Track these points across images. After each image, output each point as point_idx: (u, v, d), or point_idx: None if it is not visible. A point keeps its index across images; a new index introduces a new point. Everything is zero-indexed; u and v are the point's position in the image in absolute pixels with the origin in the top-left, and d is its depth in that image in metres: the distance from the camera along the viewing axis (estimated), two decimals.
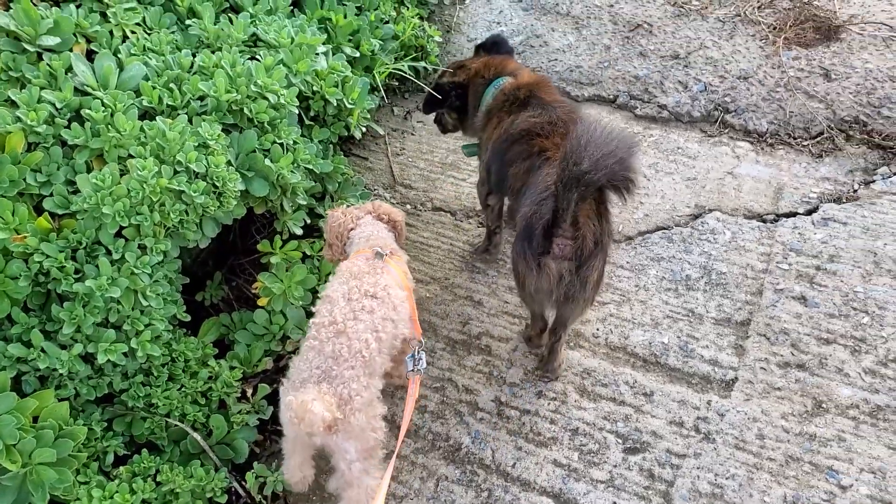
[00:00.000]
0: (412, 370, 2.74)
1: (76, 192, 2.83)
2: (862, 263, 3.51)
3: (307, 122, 3.64)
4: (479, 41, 4.82)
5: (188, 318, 3.18)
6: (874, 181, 3.91)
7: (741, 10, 4.99)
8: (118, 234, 2.86)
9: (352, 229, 3.04)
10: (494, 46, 3.62)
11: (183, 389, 3.05)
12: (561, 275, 2.67)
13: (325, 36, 3.80)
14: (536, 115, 3.06)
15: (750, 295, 3.46)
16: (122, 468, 2.86)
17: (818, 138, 4.18)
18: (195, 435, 2.98)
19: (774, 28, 4.81)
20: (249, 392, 3.19)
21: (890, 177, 3.91)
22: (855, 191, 3.88)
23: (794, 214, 3.79)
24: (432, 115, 3.80)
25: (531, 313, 3.19)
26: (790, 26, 4.78)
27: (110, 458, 2.89)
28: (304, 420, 2.19)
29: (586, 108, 4.56)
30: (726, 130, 4.35)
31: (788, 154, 4.15)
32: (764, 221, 3.77)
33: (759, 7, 4.98)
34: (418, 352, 2.76)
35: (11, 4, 3.05)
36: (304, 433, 2.31)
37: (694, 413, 3.07)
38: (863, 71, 4.43)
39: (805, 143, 4.18)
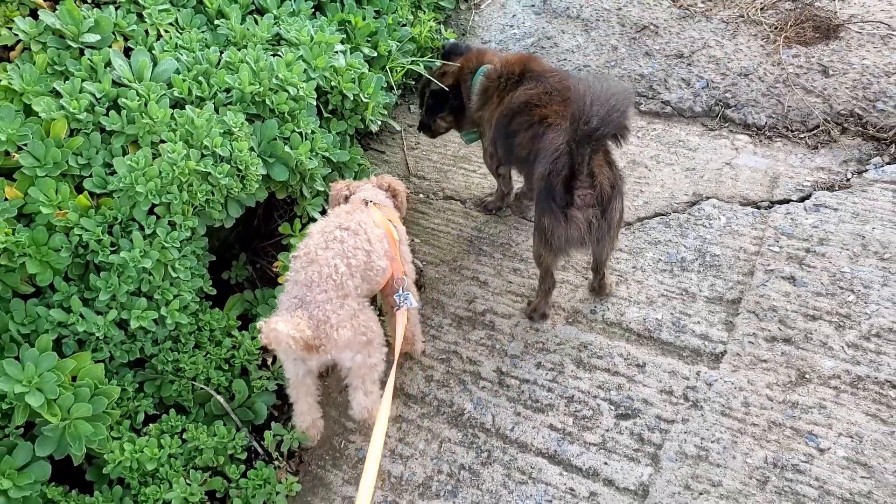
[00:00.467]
0: (398, 307, 3.03)
1: (113, 173, 3.12)
2: (850, 246, 3.67)
3: (325, 115, 3.91)
4: (492, 44, 5.10)
5: (214, 292, 3.46)
6: (867, 170, 4.07)
7: (744, 11, 5.19)
8: (150, 212, 3.15)
9: (351, 195, 3.32)
10: (455, 50, 3.93)
11: (208, 356, 3.31)
12: (589, 221, 3.00)
13: (343, 35, 4.08)
14: (532, 86, 3.40)
15: (741, 275, 3.64)
16: (151, 426, 3.12)
17: (815, 131, 4.36)
18: (219, 398, 3.25)
19: (776, 28, 5.00)
20: (269, 360, 3.44)
21: (882, 166, 4.07)
22: (848, 179, 4.05)
23: (787, 201, 3.97)
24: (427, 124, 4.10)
25: (544, 273, 3.43)
26: (791, 26, 4.96)
27: (141, 417, 3.16)
28: (270, 340, 2.50)
29: None
30: (726, 124, 4.54)
31: (785, 146, 4.33)
32: (758, 208, 3.96)
33: (761, 8, 5.17)
34: (403, 290, 3.04)
35: (57, 5, 3.37)
36: (292, 359, 2.76)
37: (683, 383, 3.27)
38: (860, 67, 4.60)
39: (802, 135, 4.35)
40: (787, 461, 2.95)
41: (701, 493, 2.91)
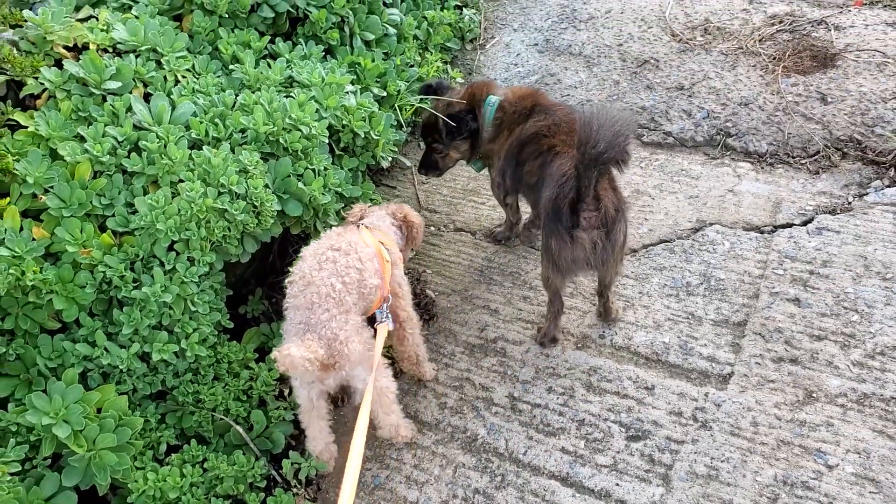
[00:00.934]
0: (380, 322, 3.16)
1: (134, 212, 3.25)
2: (853, 267, 3.75)
3: (338, 152, 4.05)
4: (497, 82, 5.24)
5: (231, 326, 3.56)
6: (867, 193, 4.16)
7: (743, 43, 5.32)
8: (170, 248, 3.28)
9: (361, 218, 3.45)
10: (440, 88, 4.08)
11: (227, 387, 3.41)
12: (594, 242, 3.13)
13: (353, 76, 4.24)
14: (541, 119, 3.57)
15: (747, 298, 3.72)
16: (173, 456, 3.21)
17: (815, 157, 4.45)
18: (238, 428, 3.33)
19: (774, 58, 5.13)
20: (286, 391, 3.53)
21: (882, 189, 4.16)
22: (849, 203, 4.14)
23: (790, 225, 4.05)
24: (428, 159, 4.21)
25: (553, 296, 3.53)
26: (789, 56, 5.09)
27: (163, 448, 3.25)
28: (286, 366, 2.59)
29: None
30: (728, 153, 4.64)
31: (787, 172, 4.42)
32: (762, 232, 4.04)
33: (759, 40, 5.31)
34: (385, 308, 3.18)
35: (80, 56, 3.54)
36: (307, 383, 2.89)
37: (692, 404, 3.33)
38: (857, 94, 4.71)
39: (803, 161, 4.45)
40: (796, 478, 3.00)
41: None
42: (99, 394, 3.03)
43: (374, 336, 3.10)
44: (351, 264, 3.01)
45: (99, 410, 3.03)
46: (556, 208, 3.16)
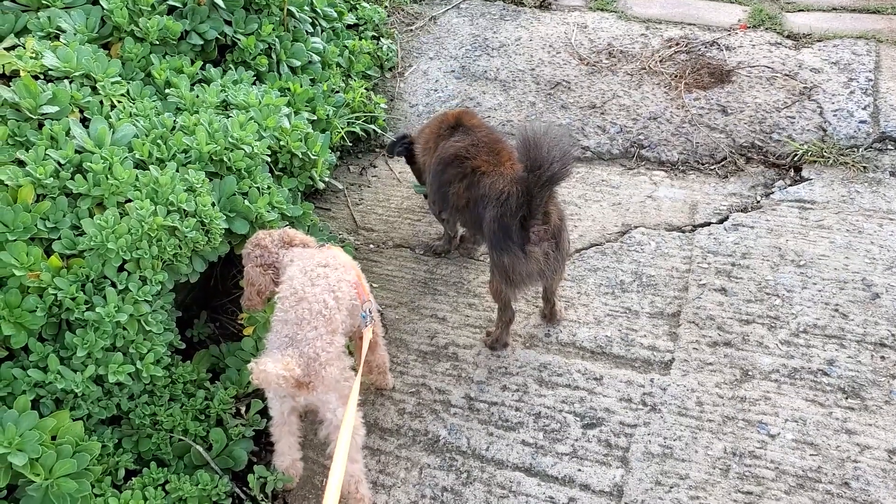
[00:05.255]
0: (365, 325, 3.19)
1: (80, 234, 3.19)
2: (770, 257, 4.06)
3: (276, 172, 4.09)
4: (420, 106, 5.42)
5: (183, 346, 3.52)
6: (773, 192, 4.52)
7: (645, 64, 5.70)
8: (120, 269, 3.22)
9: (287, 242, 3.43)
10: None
11: (184, 408, 3.35)
12: (546, 253, 3.28)
13: (286, 99, 4.30)
14: (459, 140, 3.74)
15: (677, 291, 3.96)
16: (134, 479, 3.12)
17: (722, 162, 4.81)
18: (198, 448, 3.27)
19: (675, 76, 5.52)
20: (243, 409, 3.50)
21: (785, 188, 4.53)
22: (758, 201, 4.48)
23: (708, 224, 4.35)
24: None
25: (503, 307, 3.64)
26: (689, 73, 5.49)
27: (122, 473, 3.15)
28: (260, 380, 2.60)
29: None
30: (643, 163, 4.95)
31: (699, 178, 4.75)
32: (683, 232, 4.32)
33: (660, 60, 5.70)
34: (367, 309, 3.20)
35: (11, 82, 3.47)
36: (280, 397, 2.86)
37: (640, 390, 3.50)
38: (753, 105, 5.13)
39: (712, 167, 4.80)
40: (744, 449, 3.21)
41: (672, 487, 3.11)
42: (54, 420, 2.93)
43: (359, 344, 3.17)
44: (342, 278, 3.05)
45: (54, 438, 2.93)
46: (503, 226, 3.28)
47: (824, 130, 4.88)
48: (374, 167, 5.22)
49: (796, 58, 5.61)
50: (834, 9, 6.36)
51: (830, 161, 4.65)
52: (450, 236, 4.33)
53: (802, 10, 6.41)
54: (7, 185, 3.14)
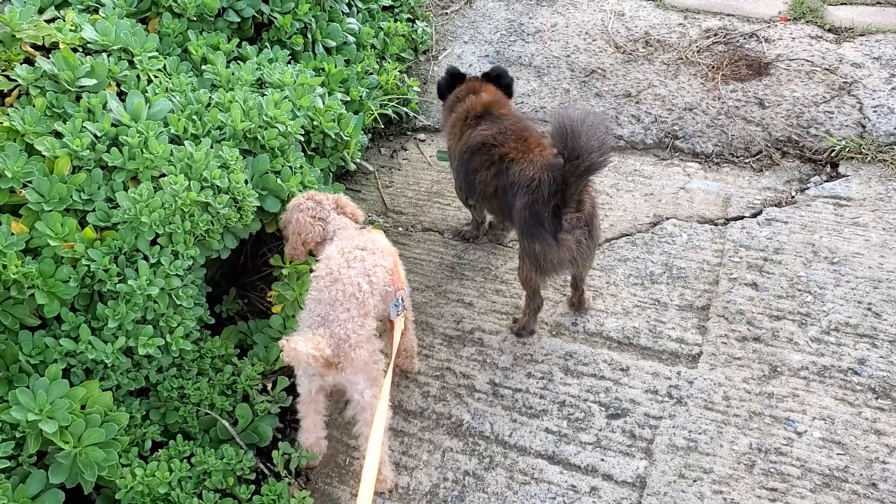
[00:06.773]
0: (396, 315, 3.19)
1: (114, 207, 3.23)
2: (802, 253, 4.00)
3: (308, 152, 4.10)
4: None
5: (212, 321, 3.55)
6: (808, 188, 4.45)
7: (682, 54, 5.63)
8: (153, 243, 3.26)
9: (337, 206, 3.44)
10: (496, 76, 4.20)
11: (211, 382, 3.38)
12: (579, 241, 3.26)
13: (321, 79, 4.31)
14: (487, 127, 3.69)
15: (707, 284, 3.92)
16: (160, 451, 3.16)
17: (758, 156, 4.74)
18: (224, 422, 3.31)
19: (713, 67, 5.44)
20: (269, 386, 3.53)
21: (821, 184, 4.46)
22: (793, 196, 4.42)
23: (741, 218, 4.30)
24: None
25: (531, 294, 3.62)
26: (726, 65, 5.42)
27: (148, 444, 3.19)
28: (291, 358, 2.61)
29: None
30: (677, 154, 4.90)
31: (733, 170, 4.69)
32: (715, 225, 4.28)
33: (697, 51, 5.63)
34: (400, 298, 3.20)
35: (49, 55, 3.50)
36: (308, 375, 2.89)
37: (666, 382, 3.48)
38: (791, 99, 5.05)
39: (747, 160, 4.73)
40: (769, 445, 3.17)
41: (695, 480, 3.09)
42: (84, 389, 2.97)
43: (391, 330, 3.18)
44: (378, 262, 3.05)
45: (83, 407, 2.97)
46: (534, 213, 3.26)
47: (863, 126, 4.80)
48: (406, 150, 5.21)
49: (837, 52, 5.51)
50: (878, 2, 6.23)
51: (868, 158, 4.57)
52: (478, 222, 4.32)
53: (845, 4, 6.29)
54: (44, 156, 3.18)
